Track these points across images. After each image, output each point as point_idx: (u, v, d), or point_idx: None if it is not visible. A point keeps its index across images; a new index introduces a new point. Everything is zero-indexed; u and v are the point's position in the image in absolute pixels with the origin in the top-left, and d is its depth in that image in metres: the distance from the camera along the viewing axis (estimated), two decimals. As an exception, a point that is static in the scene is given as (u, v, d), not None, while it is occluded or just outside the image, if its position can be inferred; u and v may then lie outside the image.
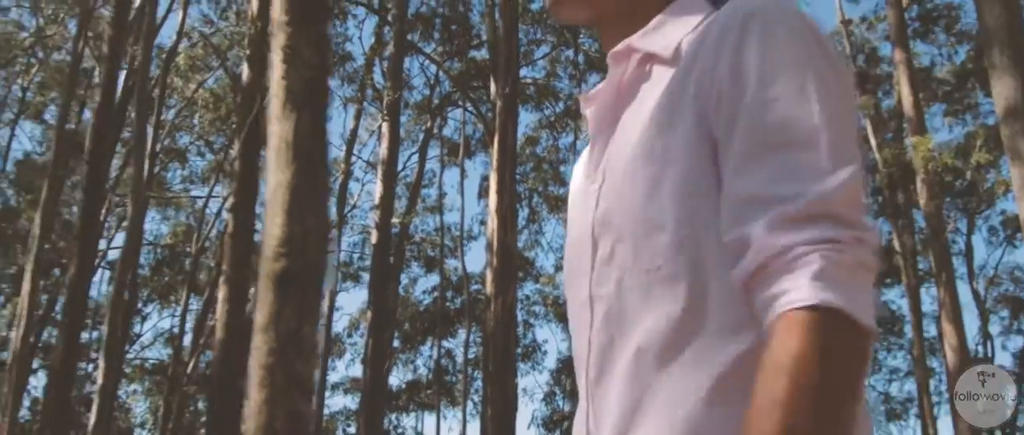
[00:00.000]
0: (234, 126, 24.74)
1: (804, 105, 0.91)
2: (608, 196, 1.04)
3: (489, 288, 17.05)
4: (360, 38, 62.72)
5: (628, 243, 0.99)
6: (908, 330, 24.31)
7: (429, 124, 23.97)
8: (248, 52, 15.51)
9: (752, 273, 0.87)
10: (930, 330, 23.86)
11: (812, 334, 0.80)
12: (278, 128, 4.61)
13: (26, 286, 12.28)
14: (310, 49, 4.74)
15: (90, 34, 20.62)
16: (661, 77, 1.05)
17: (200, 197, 28.48)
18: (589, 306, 1.03)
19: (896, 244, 20.15)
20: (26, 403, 25.44)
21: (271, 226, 4.49)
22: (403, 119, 24.18)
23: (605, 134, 1.10)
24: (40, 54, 24.88)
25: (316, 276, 4.48)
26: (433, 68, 24.19)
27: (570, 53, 24.30)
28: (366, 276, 29.93)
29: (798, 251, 0.85)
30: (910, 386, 28.05)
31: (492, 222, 16.12)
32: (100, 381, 12.24)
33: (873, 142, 20.68)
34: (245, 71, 15.53)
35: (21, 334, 12.20)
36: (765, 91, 0.92)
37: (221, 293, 14.39)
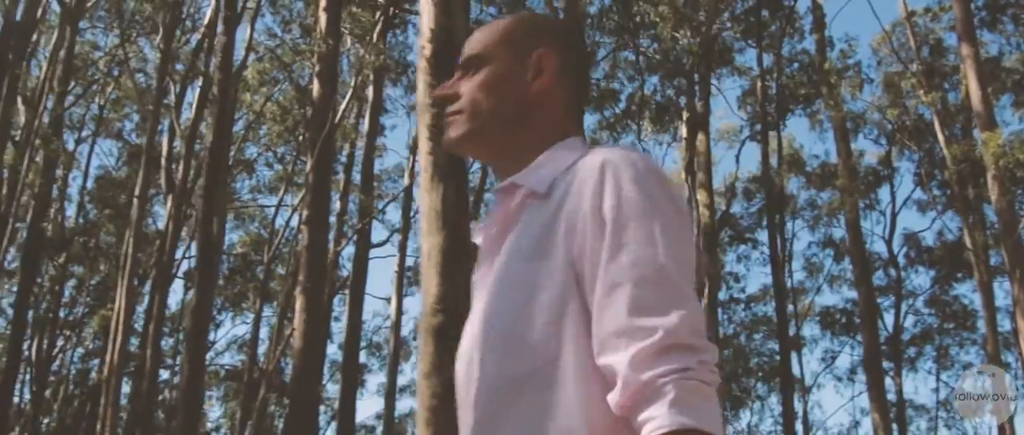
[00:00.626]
0: (301, 138, 25.39)
1: (652, 248, 1.12)
2: (486, 312, 1.24)
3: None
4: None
5: (496, 355, 1.20)
6: (981, 326, 23.92)
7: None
8: (318, 68, 15.96)
9: (622, 406, 1.08)
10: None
11: None
12: (427, 198, 5.15)
13: (121, 302, 12.85)
14: (452, 128, 5.31)
15: (155, 50, 21.37)
16: (537, 211, 1.25)
17: (269, 207, 29.31)
18: (470, 407, 1.23)
19: (967, 240, 19.88)
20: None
21: (428, 285, 4.96)
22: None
23: (490, 259, 1.31)
24: (115, 72, 25.82)
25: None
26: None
27: (628, 54, 24.38)
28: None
29: (657, 384, 1.06)
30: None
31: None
32: (183, 386, 12.74)
33: (941, 137, 20.40)
34: (316, 87, 15.99)
35: (118, 347, 12.78)
36: (620, 236, 1.13)
37: (297, 303, 14.85)
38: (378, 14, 20.23)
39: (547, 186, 1.26)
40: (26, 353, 21.25)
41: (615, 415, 1.10)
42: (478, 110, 1.35)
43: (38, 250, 16.92)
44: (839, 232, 27.90)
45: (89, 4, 21.13)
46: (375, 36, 19.67)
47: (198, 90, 20.65)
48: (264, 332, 24.81)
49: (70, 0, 16.91)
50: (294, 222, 26.03)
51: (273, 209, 26.56)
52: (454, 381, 1.32)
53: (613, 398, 1.10)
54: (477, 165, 23.73)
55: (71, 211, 25.84)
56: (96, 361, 25.14)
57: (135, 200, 15.22)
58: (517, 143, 1.35)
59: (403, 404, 34.84)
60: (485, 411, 1.19)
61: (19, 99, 18.32)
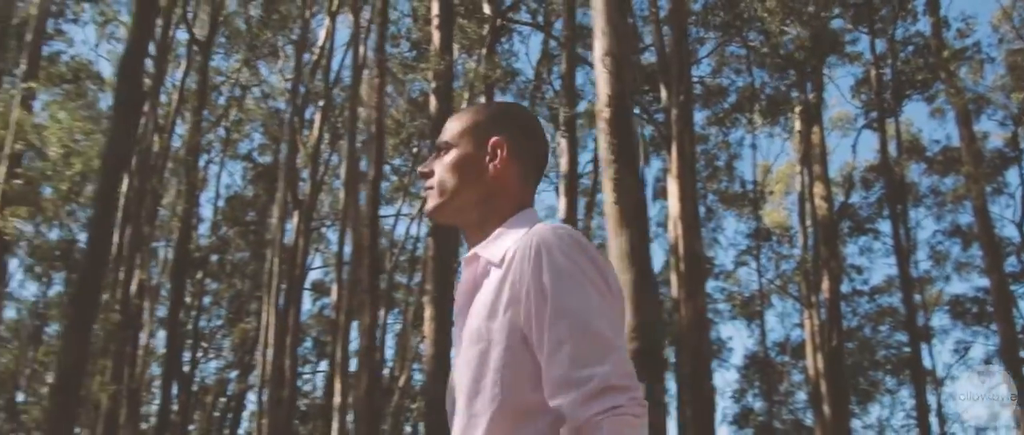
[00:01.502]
0: (415, 151, 26.11)
1: (586, 312, 1.42)
2: (458, 362, 1.56)
3: (674, 292, 17.38)
4: (527, 54, 64.83)
5: (464, 396, 1.52)
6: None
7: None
8: (434, 84, 16.49)
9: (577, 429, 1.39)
10: None
11: None
12: (615, 241, 6.20)
13: (270, 316, 13.61)
14: (631, 179, 6.21)
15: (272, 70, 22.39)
16: (494, 277, 1.55)
17: (387, 217, 30.23)
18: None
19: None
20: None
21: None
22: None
23: (462, 317, 1.61)
24: (237, 93, 27.12)
25: (656, 352, 6.16)
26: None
27: (736, 49, 24.18)
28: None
29: (594, 421, 1.36)
30: None
31: (676, 228, 16.41)
32: (338, 400, 13.40)
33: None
34: (433, 102, 16.52)
35: (268, 359, 13.52)
36: (558, 303, 1.43)
37: (427, 312, 15.40)
38: (486, 27, 20.71)
39: (501, 257, 1.56)
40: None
41: None
42: (445, 188, 1.67)
43: (185, 268, 18.01)
44: (965, 218, 26.98)
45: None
46: (485, 48, 20.15)
47: (319, 108, 21.55)
48: (385, 339, 25.61)
49: (203, 35, 17.95)
50: (413, 231, 26.85)
51: (392, 219, 27.40)
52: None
53: (564, 432, 1.42)
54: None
55: (203, 229, 27.29)
56: (234, 372, 26.44)
57: (274, 218, 16.04)
58: (479, 215, 1.65)
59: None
60: (473, 429, 1.51)
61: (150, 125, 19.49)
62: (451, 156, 1.68)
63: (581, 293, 1.44)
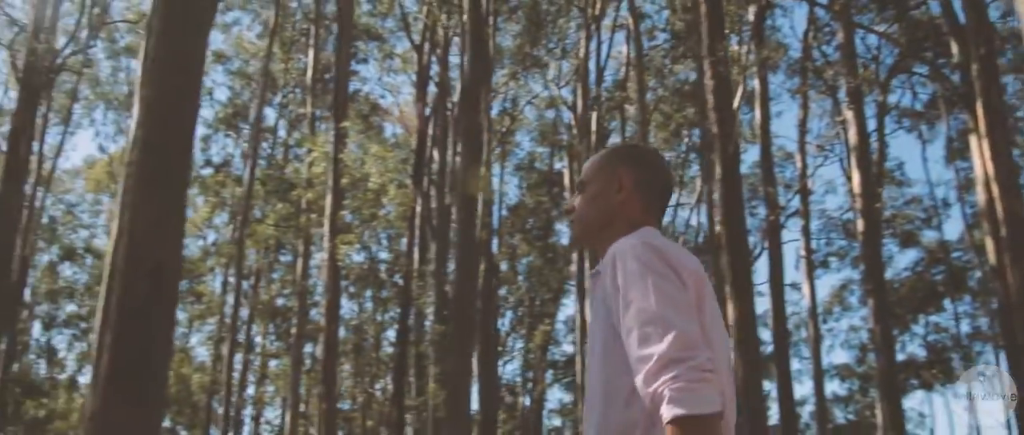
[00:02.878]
0: (688, 139, 26.03)
1: (647, 300, 1.66)
2: (589, 354, 1.89)
3: (991, 258, 16.12)
4: (791, 27, 62.89)
5: (590, 379, 1.84)
6: None
7: (881, 97, 23.15)
8: (709, 71, 16.40)
9: (648, 411, 1.64)
10: None
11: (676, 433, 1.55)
12: None
13: (577, 318, 14.06)
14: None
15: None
16: (597, 285, 1.87)
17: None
18: (587, 410, 1.86)
19: None
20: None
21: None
22: (842, 96, 23.67)
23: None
24: (507, 106, 28.37)
25: None
26: (872, 39, 23.36)
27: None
28: (833, 261, 29.54)
29: (659, 392, 1.58)
30: None
31: (988, 189, 15.23)
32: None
33: None
34: (709, 90, 16.44)
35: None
36: (627, 297, 1.70)
37: (730, 300, 15.35)
38: (751, 8, 20.26)
39: (601, 268, 1.89)
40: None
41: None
42: (582, 219, 2.00)
43: (492, 274, 19.11)
44: None
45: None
46: (752, 28, 19.72)
47: (591, 111, 22.09)
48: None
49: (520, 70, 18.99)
50: (693, 221, 26.78)
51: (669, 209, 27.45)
52: None
53: (645, 405, 1.65)
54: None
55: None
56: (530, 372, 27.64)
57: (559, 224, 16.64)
58: (605, 238, 1.97)
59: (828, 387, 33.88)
60: (591, 411, 1.81)
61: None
62: (588, 192, 2.01)
63: (644, 285, 1.69)
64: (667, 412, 1.56)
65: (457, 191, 10.60)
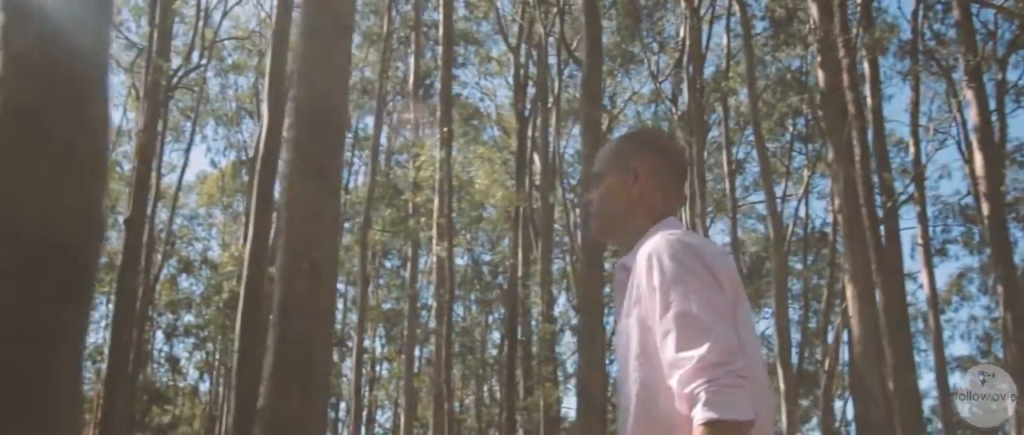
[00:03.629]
0: (793, 129, 25.43)
1: (687, 303, 1.66)
2: (617, 351, 1.89)
3: None
4: (899, 7, 60.15)
5: (622, 377, 1.81)
6: None
7: (1000, 75, 22.12)
8: (820, 58, 15.98)
9: (681, 412, 1.63)
10: None
11: None
12: None
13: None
14: None
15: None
16: (630, 281, 1.83)
17: (759, 203, 29.86)
18: (622, 409, 1.85)
19: None
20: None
21: None
22: (956, 76, 22.72)
23: (619, 311, 1.91)
24: (605, 104, 28.23)
25: None
26: (987, 15, 22.32)
27: None
28: (952, 249, 28.39)
29: (694, 393, 1.59)
30: None
31: None
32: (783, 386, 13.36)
33: None
34: (820, 76, 16.03)
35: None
36: (666, 298, 1.68)
37: (849, 291, 14.91)
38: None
39: (632, 265, 1.85)
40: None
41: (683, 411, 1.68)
42: (600, 213, 1.97)
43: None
44: None
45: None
46: (859, 10, 19.11)
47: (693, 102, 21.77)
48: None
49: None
50: (801, 213, 26.14)
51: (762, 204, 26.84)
52: None
53: (678, 405, 1.65)
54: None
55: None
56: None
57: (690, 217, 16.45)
58: (629, 230, 1.94)
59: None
60: (626, 413, 1.80)
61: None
62: (603, 185, 1.98)
63: (683, 288, 1.67)
64: (701, 414, 1.58)
65: (583, 186, 10.54)
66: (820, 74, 16.23)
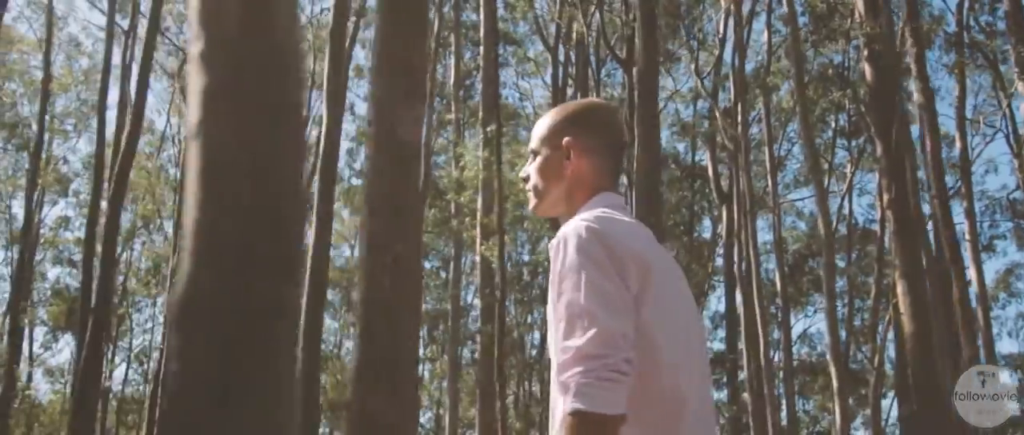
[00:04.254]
0: (835, 124, 25.13)
1: (576, 293, 1.63)
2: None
3: None
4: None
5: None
6: None
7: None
8: (866, 52, 15.81)
9: (560, 398, 1.60)
10: None
11: (569, 426, 1.55)
12: None
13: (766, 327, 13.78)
14: None
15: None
16: None
17: (801, 200, 29.63)
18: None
19: None
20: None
21: None
22: (1004, 69, 22.37)
23: None
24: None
25: None
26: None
27: None
28: (999, 244, 27.91)
29: (567, 384, 1.57)
30: None
31: None
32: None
33: None
34: (867, 71, 15.85)
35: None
36: (560, 286, 1.66)
37: (900, 287, 14.73)
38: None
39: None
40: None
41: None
42: (537, 189, 1.93)
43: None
44: None
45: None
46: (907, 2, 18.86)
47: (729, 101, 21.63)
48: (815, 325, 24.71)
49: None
50: (845, 210, 25.85)
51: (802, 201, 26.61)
52: None
53: (558, 395, 1.63)
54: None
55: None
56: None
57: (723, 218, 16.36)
58: (565, 208, 1.91)
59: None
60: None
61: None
62: (538, 161, 1.94)
63: (577, 276, 1.64)
64: (566, 404, 1.56)
65: (639, 183, 10.52)
66: (867, 68, 16.06)
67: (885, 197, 15.52)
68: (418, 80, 4.96)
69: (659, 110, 27.13)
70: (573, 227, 1.72)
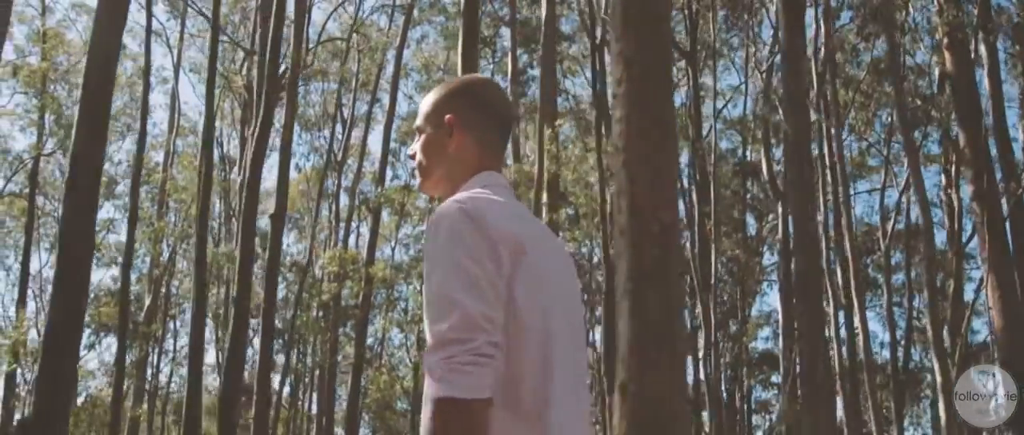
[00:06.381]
0: (890, 119, 24.83)
1: (442, 275, 1.58)
2: None
3: None
4: None
5: None
6: None
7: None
8: (946, 41, 15.58)
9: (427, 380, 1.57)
10: None
11: (433, 413, 1.52)
12: None
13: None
14: None
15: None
16: None
17: (855, 193, 29.23)
18: None
19: None
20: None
21: None
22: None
23: None
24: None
25: None
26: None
27: None
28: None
29: (431, 369, 1.54)
30: None
31: None
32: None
33: None
34: (947, 59, 15.61)
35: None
36: (428, 268, 1.63)
37: (990, 281, 14.49)
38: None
39: None
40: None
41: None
42: (422, 167, 1.89)
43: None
44: None
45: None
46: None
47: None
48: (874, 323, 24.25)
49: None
50: (902, 204, 25.54)
51: (861, 196, 26.31)
52: None
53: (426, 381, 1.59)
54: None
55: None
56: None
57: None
58: (448, 186, 1.86)
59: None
60: None
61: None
62: (422, 140, 1.89)
63: (444, 259, 1.59)
64: (430, 391, 1.53)
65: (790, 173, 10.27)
66: (946, 57, 15.82)
67: (969, 189, 15.26)
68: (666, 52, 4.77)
69: (723, 107, 26.93)
70: (445, 208, 1.67)
